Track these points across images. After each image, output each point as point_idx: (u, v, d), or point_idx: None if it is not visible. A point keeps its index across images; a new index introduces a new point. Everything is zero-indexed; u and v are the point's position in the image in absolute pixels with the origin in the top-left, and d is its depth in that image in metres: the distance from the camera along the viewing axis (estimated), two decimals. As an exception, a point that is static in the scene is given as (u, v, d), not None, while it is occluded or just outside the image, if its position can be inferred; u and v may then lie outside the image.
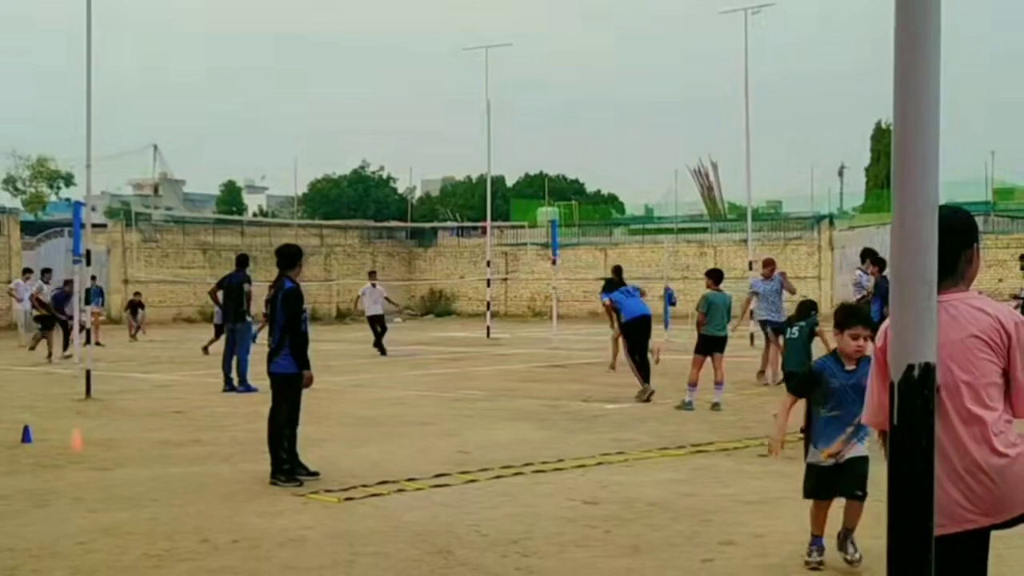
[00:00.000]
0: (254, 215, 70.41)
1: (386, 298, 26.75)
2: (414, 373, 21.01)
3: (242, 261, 18.87)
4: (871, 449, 6.44)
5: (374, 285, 26.86)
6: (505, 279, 46.76)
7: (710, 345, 15.01)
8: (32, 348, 24.39)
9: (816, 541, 6.88)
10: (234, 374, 17.66)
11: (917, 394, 2.14)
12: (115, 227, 42.40)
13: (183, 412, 15.01)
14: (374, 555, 7.32)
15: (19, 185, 57.86)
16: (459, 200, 68.19)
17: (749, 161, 30.80)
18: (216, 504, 8.98)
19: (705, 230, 47.91)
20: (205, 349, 23.22)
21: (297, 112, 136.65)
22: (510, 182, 70.77)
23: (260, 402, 12.66)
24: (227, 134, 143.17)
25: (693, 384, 14.81)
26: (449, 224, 55.65)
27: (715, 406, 14.67)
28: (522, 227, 49.35)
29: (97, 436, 12.57)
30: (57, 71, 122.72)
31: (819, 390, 6.62)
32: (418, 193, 77.88)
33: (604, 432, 12.90)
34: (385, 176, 73.26)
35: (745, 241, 34.09)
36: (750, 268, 31.16)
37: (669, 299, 26.55)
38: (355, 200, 68.49)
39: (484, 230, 39.89)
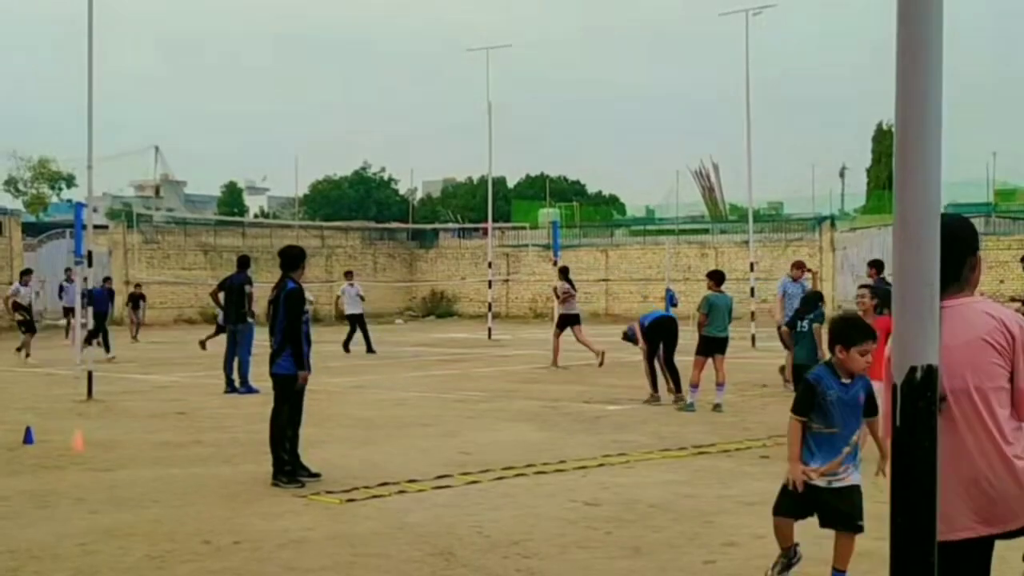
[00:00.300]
0: (255, 216, 70.38)
1: (360, 296, 27.20)
2: (415, 374, 21.01)
3: (243, 262, 18.87)
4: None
5: (352, 284, 27.26)
6: (506, 280, 46.75)
7: (711, 346, 15.01)
8: (28, 355, 24.21)
9: (792, 549, 6.38)
10: (235, 375, 17.67)
11: (920, 396, 2.14)
12: (116, 228, 42.43)
13: (185, 413, 15.01)
14: (375, 556, 7.33)
15: (20, 186, 57.83)
16: (460, 201, 68.16)
17: (750, 162, 30.83)
18: (218, 505, 8.98)
19: (706, 231, 47.91)
20: (203, 344, 23.18)
21: (298, 113, 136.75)
22: (511, 183, 70.75)
23: (261, 403, 12.66)
24: (228, 135, 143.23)
25: (695, 385, 14.83)
26: (450, 225, 55.63)
27: (716, 407, 14.67)
28: (523, 228, 49.35)
29: (99, 437, 12.58)
30: (58, 72, 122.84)
31: (815, 404, 6.04)
32: (419, 194, 77.87)
33: (605, 433, 12.90)
34: (386, 177, 73.23)
35: (746, 242, 34.10)
36: (751, 269, 31.21)
37: (670, 300, 26.58)
38: (356, 201, 68.48)
39: (485, 231, 39.89)
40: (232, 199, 75.18)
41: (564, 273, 23.22)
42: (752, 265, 31.51)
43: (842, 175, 64.39)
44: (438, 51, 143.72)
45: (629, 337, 16.67)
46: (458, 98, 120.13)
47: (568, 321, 22.22)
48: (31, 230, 41.04)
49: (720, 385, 14.88)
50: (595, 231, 50.52)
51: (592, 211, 59.68)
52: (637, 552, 7.43)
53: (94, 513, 8.72)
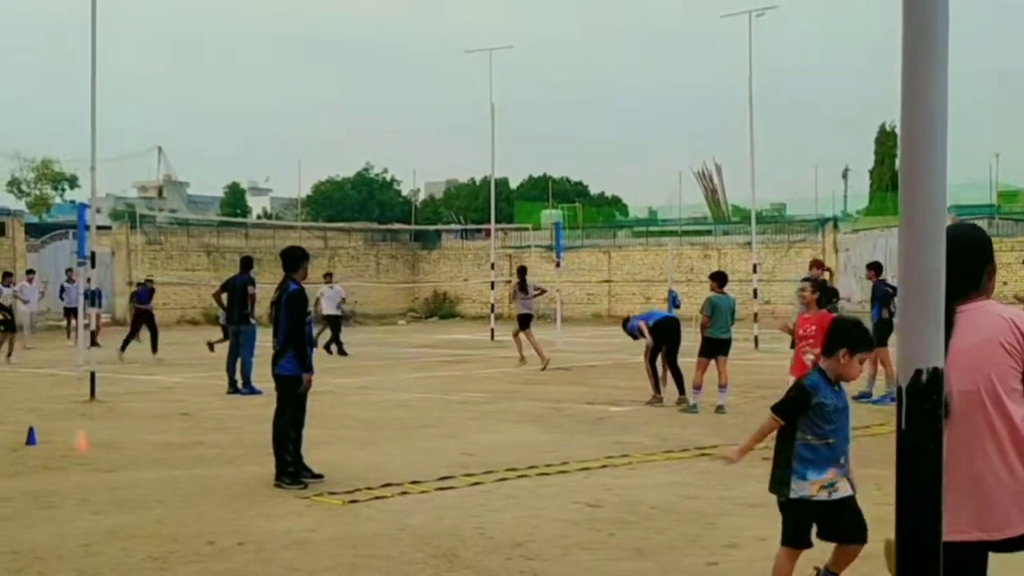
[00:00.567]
0: (258, 217, 70.37)
1: (343, 299, 27.40)
2: (418, 375, 21.02)
3: (246, 263, 18.90)
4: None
5: (332, 286, 27.24)
6: (509, 281, 46.63)
7: (714, 348, 15.02)
8: (10, 354, 24.18)
9: None
10: (238, 376, 17.67)
11: (925, 399, 2.14)
12: (119, 229, 42.43)
13: (188, 414, 15.02)
14: (378, 558, 7.33)
15: (23, 187, 57.88)
16: (463, 202, 68.16)
17: (753, 163, 30.82)
18: (221, 506, 8.98)
19: (709, 232, 47.90)
20: (211, 346, 23.25)
21: (301, 114, 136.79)
22: (514, 184, 70.74)
23: (264, 404, 12.67)
24: (231, 136, 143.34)
25: (697, 387, 14.84)
26: (453, 226, 55.64)
27: (719, 409, 14.67)
28: (526, 229, 49.33)
29: (101, 438, 12.58)
30: (61, 72, 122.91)
31: (808, 412, 5.64)
32: (422, 195, 77.87)
33: (608, 434, 12.90)
34: (389, 178, 73.25)
35: (749, 244, 34.08)
36: (754, 271, 31.19)
37: (673, 302, 26.53)
38: (359, 202, 68.49)
39: (488, 232, 39.88)
40: (235, 200, 75.21)
41: (521, 273, 23.74)
42: (755, 267, 31.49)
43: (845, 176, 64.39)
44: (441, 52, 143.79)
45: (630, 331, 16.67)
46: (461, 99, 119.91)
47: (528, 320, 22.74)
48: (34, 231, 41.08)
49: (723, 387, 14.88)
50: (598, 232, 50.53)
51: (595, 212, 59.72)
52: (640, 553, 7.43)
53: (97, 514, 8.72)
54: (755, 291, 30.48)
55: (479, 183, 67.66)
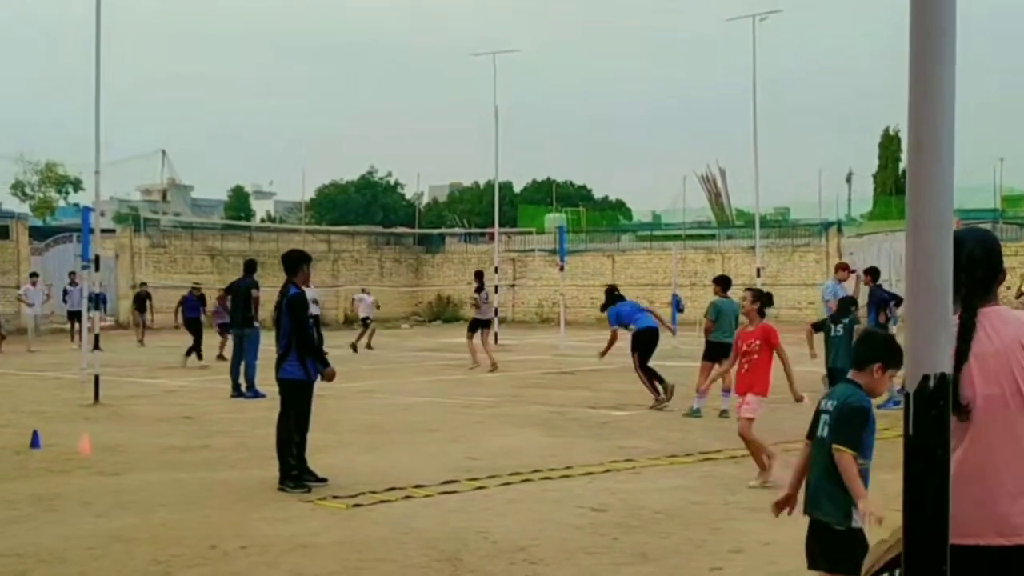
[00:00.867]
0: (262, 221, 70.40)
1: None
2: (422, 379, 21.01)
3: (250, 267, 18.92)
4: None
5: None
6: (513, 285, 46.73)
7: (718, 351, 14.98)
8: None
9: None
10: (242, 379, 17.68)
11: (932, 405, 2.14)
12: (123, 232, 42.45)
13: (191, 417, 15.03)
14: (382, 561, 7.33)
15: (28, 190, 57.90)
16: (467, 206, 68.19)
17: (757, 167, 30.79)
18: (224, 510, 8.98)
19: (713, 237, 47.89)
20: (221, 356, 23.27)
21: (304, 117, 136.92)
22: (518, 188, 70.80)
23: (268, 408, 12.67)
24: (235, 139, 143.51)
25: (702, 392, 14.81)
26: (457, 230, 55.65)
27: (723, 413, 14.65)
28: (530, 233, 49.31)
29: (105, 441, 12.59)
30: (66, 76, 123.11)
31: (864, 434, 5.26)
32: (426, 199, 77.88)
33: (612, 439, 12.89)
34: (393, 182, 73.28)
35: (753, 248, 34.05)
36: (758, 275, 31.15)
37: (677, 306, 26.56)
38: (363, 206, 68.53)
39: (492, 236, 39.87)
40: (239, 203, 75.32)
41: (478, 277, 24.32)
42: (759, 271, 31.39)
43: (849, 180, 64.34)
44: (445, 55, 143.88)
45: (615, 317, 16.78)
46: (464, 102, 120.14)
47: (478, 325, 23.23)
48: (38, 234, 41.08)
49: (727, 391, 14.85)
50: (601, 236, 50.51)
51: (598, 216, 59.71)
52: (644, 558, 7.42)
53: (101, 517, 8.73)
54: (759, 295, 30.38)
55: (483, 187, 67.69)
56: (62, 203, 58.74)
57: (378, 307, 31.30)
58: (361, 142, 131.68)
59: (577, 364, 22.74)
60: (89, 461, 11.37)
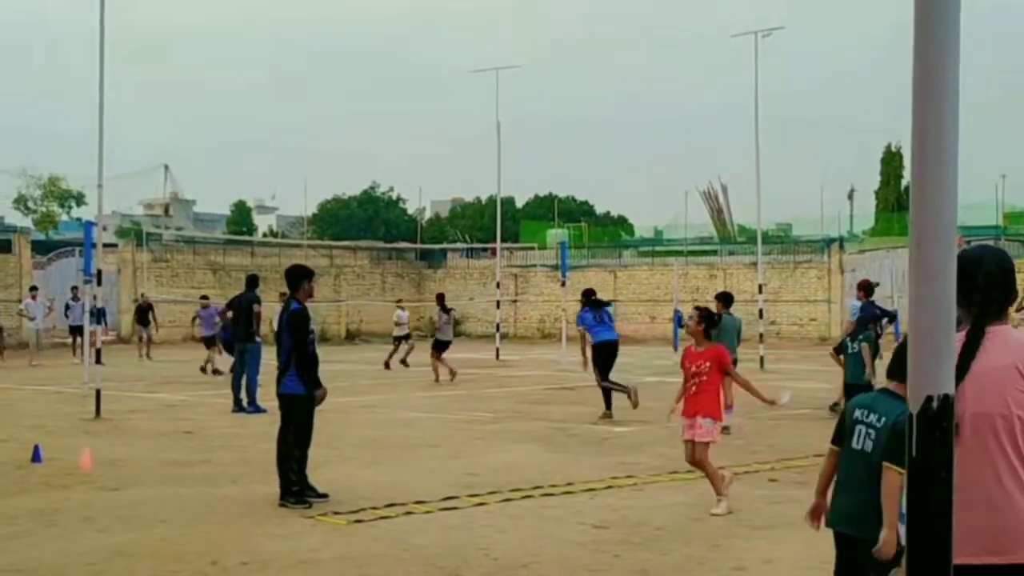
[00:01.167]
0: (264, 235, 70.47)
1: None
2: (423, 394, 21.00)
3: (252, 282, 18.94)
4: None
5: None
6: (515, 301, 46.72)
7: (720, 368, 14.98)
8: None
9: None
10: (243, 394, 17.66)
11: (936, 426, 2.13)
12: (126, 247, 42.48)
13: (192, 432, 15.01)
14: (383, 578, 7.30)
15: (30, 204, 57.95)
16: (469, 221, 68.25)
17: (759, 183, 30.84)
18: (225, 525, 8.96)
19: (715, 252, 47.92)
20: (217, 371, 23.28)
21: (307, 132, 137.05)
22: (520, 203, 70.84)
23: (269, 423, 12.65)
24: (237, 154, 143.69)
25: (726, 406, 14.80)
26: (459, 245, 55.68)
27: (725, 429, 14.59)
28: (532, 249, 49.36)
29: (106, 456, 12.57)
30: (69, 91, 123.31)
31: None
32: (428, 214, 77.96)
33: (613, 455, 12.87)
34: (395, 197, 73.40)
35: (755, 264, 34.06)
36: (760, 291, 31.17)
37: (678, 322, 26.50)
38: (365, 221, 68.62)
39: (494, 251, 39.88)
40: (241, 218, 75.40)
41: (439, 300, 25.64)
42: (761, 287, 31.47)
43: (851, 197, 64.28)
44: (447, 70, 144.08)
45: (582, 322, 17.12)
46: (467, 118, 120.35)
47: (441, 346, 24.09)
48: (40, 248, 41.10)
49: (728, 407, 14.82)
50: (603, 252, 50.52)
51: (600, 232, 59.74)
52: (645, 575, 7.39)
53: (101, 532, 8.71)
54: (761, 311, 30.44)
55: (485, 202, 67.77)
56: (64, 217, 58.80)
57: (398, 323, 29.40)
58: (363, 157, 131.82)
59: (578, 380, 22.66)
60: (90, 476, 11.35)
